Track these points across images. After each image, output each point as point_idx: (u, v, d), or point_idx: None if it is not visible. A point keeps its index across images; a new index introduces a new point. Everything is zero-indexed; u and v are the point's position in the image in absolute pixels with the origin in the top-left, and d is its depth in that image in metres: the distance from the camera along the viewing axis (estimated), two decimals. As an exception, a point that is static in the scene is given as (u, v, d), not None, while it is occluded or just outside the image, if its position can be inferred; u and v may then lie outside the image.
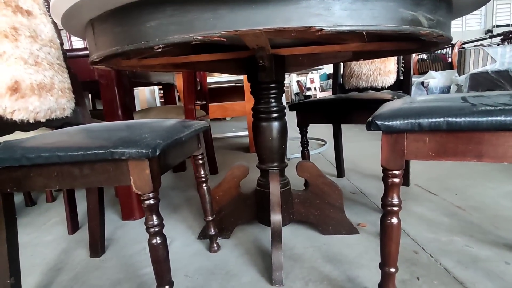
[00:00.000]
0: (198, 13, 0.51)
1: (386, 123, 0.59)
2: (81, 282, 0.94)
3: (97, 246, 1.09)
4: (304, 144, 1.39)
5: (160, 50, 0.56)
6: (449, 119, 0.55)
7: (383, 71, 1.44)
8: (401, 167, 0.61)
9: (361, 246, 1.00)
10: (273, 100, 1.00)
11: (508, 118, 0.52)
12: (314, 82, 6.41)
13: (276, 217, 0.91)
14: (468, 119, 0.54)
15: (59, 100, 0.86)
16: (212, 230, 1.03)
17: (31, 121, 0.78)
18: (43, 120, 0.82)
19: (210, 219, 1.03)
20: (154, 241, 0.64)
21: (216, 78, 3.04)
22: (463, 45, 5.48)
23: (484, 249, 0.93)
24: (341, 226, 1.08)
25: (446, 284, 0.78)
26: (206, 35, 0.51)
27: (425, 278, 0.81)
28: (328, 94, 6.66)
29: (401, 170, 0.61)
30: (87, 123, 1.00)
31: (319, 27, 0.50)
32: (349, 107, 1.27)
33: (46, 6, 0.92)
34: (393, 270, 0.65)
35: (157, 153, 0.60)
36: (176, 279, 0.90)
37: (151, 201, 0.63)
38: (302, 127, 1.38)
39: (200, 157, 0.99)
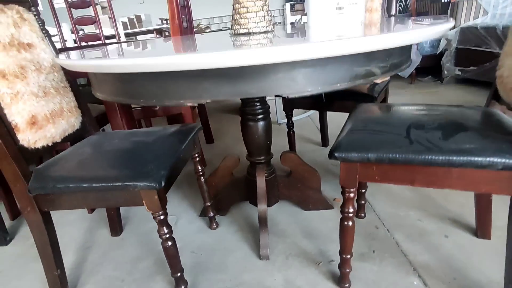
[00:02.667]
0: (188, 86, 0.62)
1: (343, 155, 0.74)
2: (109, 259, 1.17)
3: (116, 226, 1.30)
4: (290, 126, 1.53)
5: (157, 109, 0.68)
6: (390, 155, 0.70)
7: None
8: (355, 186, 0.78)
9: (334, 222, 1.22)
10: (258, 104, 1.12)
11: (433, 157, 0.67)
12: (308, 26, 6.19)
13: (262, 207, 1.11)
14: (404, 155, 0.69)
15: (69, 120, 0.98)
16: (211, 213, 1.24)
17: (50, 144, 0.92)
18: (59, 140, 0.95)
19: (209, 204, 1.23)
20: (166, 244, 0.83)
21: (206, 40, 3.01)
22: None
23: (431, 223, 1.15)
24: (319, 203, 1.29)
25: (394, 256, 1.01)
26: (194, 102, 0.63)
27: (379, 251, 1.04)
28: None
29: (355, 188, 0.78)
30: (94, 130, 1.13)
31: (286, 95, 0.62)
32: (331, 97, 1.39)
33: (42, 28, 0.98)
34: (348, 256, 0.86)
35: (163, 185, 0.76)
36: (184, 255, 1.13)
37: (161, 217, 0.81)
38: (287, 111, 1.51)
39: (196, 155, 1.15)
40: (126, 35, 4.61)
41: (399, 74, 1.48)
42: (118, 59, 0.55)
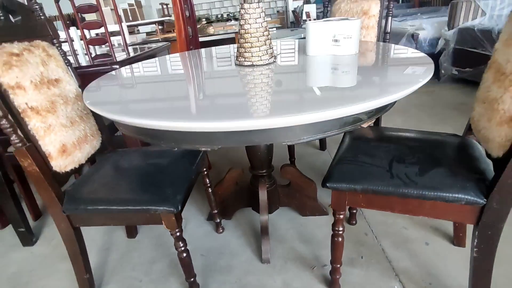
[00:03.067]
0: (203, 135, 0.73)
1: (334, 185, 0.86)
2: (127, 261, 1.32)
3: (132, 228, 1.45)
4: (290, 136, 1.64)
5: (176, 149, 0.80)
6: (373, 187, 0.82)
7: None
8: (344, 210, 0.90)
9: (328, 227, 1.34)
10: (260, 124, 1.23)
11: (409, 191, 0.79)
12: (310, 16, 6.16)
13: (263, 217, 1.24)
14: (385, 188, 0.82)
15: (92, 143, 1.10)
16: (217, 219, 1.38)
17: (76, 167, 1.04)
18: (83, 162, 1.07)
19: (215, 212, 1.36)
20: (181, 256, 0.97)
21: (207, 38, 3.08)
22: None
23: (415, 231, 1.28)
24: (315, 210, 1.42)
25: (380, 263, 1.15)
26: (207, 148, 0.75)
27: (366, 257, 1.18)
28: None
29: (344, 211, 0.91)
30: (111, 147, 1.24)
31: (285, 143, 0.74)
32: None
33: (64, 59, 1.08)
34: (338, 265, 1.00)
35: (180, 208, 0.89)
36: (195, 258, 1.27)
37: (177, 234, 0.94)
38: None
39: (204, 169, 1.27)
40: (128, 26, 4.64)
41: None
42: (146, 120, 0.66)
